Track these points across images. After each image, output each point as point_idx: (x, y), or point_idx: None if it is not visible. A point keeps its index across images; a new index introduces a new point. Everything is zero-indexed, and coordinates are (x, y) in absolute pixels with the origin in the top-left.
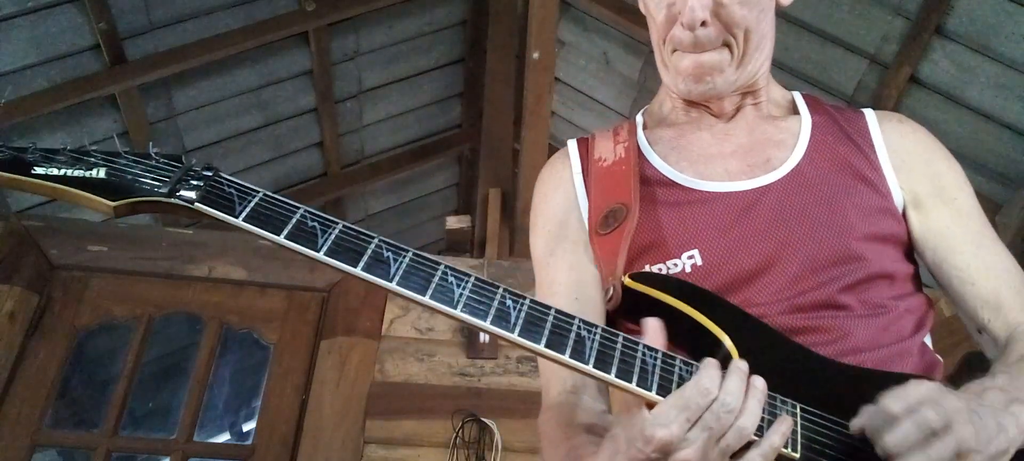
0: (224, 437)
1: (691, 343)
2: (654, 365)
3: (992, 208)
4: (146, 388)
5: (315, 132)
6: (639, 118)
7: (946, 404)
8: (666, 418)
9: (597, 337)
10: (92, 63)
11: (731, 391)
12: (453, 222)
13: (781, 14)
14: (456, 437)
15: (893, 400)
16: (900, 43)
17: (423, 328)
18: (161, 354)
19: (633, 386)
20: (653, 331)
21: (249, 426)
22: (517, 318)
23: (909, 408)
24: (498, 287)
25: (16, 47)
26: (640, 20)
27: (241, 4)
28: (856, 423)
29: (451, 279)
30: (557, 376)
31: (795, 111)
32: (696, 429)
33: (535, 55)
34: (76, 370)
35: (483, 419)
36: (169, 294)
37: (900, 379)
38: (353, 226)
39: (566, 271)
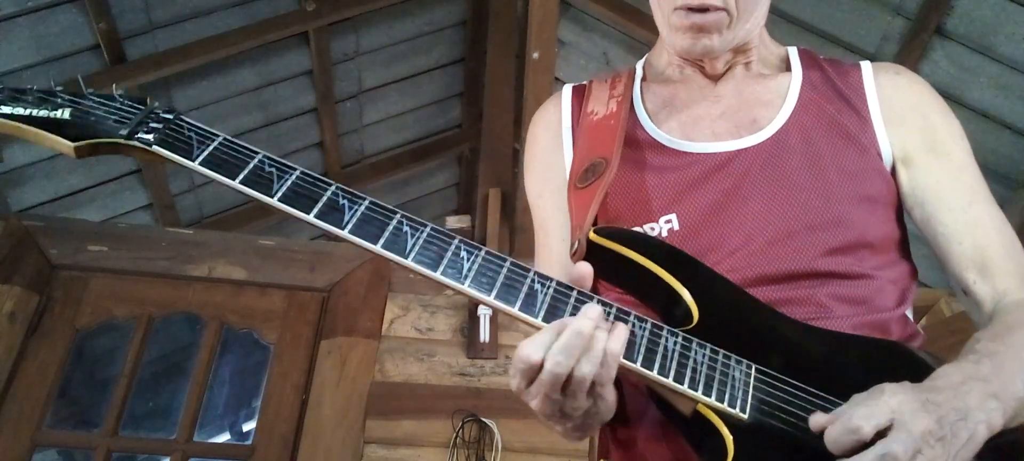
0: (224, 437)
1: (655, 299)
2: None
3: None
4: (146, 388)
5: (315, 132)
6: (639, 68)
7: (915, 427)
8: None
9: (550, 291)
10: (92, 63)
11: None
12: (453, 222)
13: (781, 14)
14: (456, 437)
15: (862, 416)
16: (900, 43)
17: (423, 328)
18: (161, 354)
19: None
20: (580, 276)
21: (249, 426)
22: (470, 269)
23: (878, 427)
24: (453, 238)
25: (16, 47)
26: (640, 20)
27: (241, 4)
28: (817, 422)
29: (406, 229)
30: None
31: (788, 68)
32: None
33: (535, 55)
34: (76, 370)
35: (483, 419)
36: (169, 294)
37: (872, 344)
38: (312, 173)
39: (555, 212)
